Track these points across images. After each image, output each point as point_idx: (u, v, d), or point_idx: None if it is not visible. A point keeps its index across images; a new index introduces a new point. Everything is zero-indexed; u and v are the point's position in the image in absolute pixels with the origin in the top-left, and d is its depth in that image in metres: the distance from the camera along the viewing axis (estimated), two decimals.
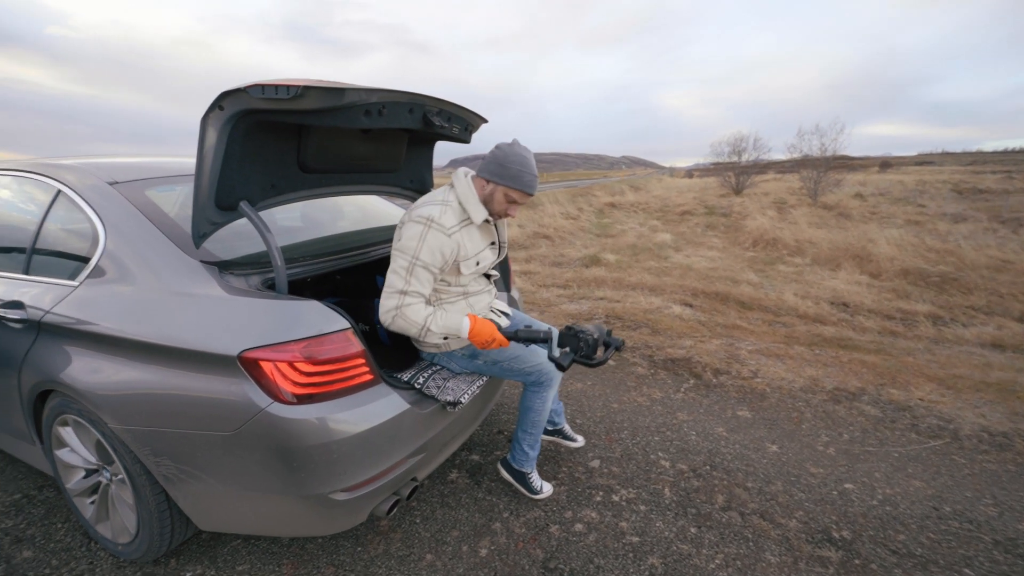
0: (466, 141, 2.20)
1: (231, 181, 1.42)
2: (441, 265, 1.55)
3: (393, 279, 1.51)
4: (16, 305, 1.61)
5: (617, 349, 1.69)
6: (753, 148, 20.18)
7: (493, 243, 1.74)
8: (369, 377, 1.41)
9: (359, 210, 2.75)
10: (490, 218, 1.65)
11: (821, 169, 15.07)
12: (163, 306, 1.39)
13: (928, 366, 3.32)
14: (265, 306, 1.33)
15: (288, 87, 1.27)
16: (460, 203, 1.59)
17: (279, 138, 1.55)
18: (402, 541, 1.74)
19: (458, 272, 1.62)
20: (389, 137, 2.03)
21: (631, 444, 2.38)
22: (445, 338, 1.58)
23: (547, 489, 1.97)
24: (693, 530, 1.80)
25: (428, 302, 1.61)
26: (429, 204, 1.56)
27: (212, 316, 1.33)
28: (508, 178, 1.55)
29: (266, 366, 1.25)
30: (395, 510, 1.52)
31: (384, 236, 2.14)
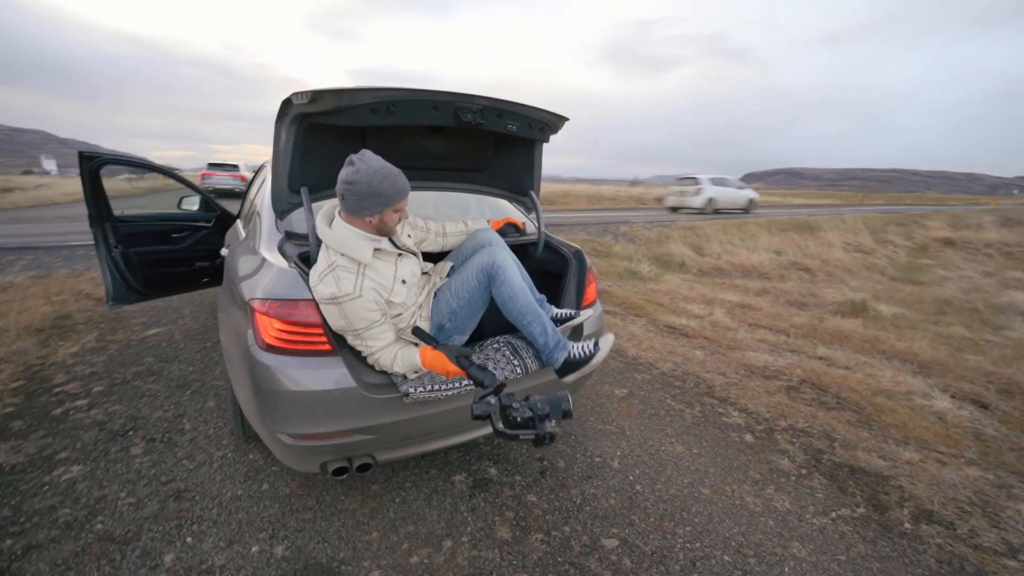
0: (542, 140, 2.07)
1: (296, 171, 1.79)
2: (380, 314, 1.56)
3: (358, 348, 1.58)
4: (225, 247, 2.50)
5: (543, 441, 1.36)
6: None
7: (400, 255, 1.67)
8: (326, 348, 1.55)
9: (490, 209, 2.92)
10: (381, 245, 1.60)
11: None
12: (248, 258, 1.91)
13: None
14: (272, 270, 1.64)
15: (306, 93, 1.52)
16: (344, 255, 1.53)
17: (341, 137, 1.85)
18: (372, 510, 1.85)
19: (393, 304, 1.62)
20: (466, 136, 2.10)
21: (679, 548, 1.75)
22: (416, 372, 1.60)
23: (604, 344, 1.75)
24: None
25: (399, 337, 1.67)
26: (320, 280, 1.50)
27: (258, 271, 1.75)
28: (385, 201, 1.51)
29: (257, 315, 1.57)
30: (343, 475, 1.64)
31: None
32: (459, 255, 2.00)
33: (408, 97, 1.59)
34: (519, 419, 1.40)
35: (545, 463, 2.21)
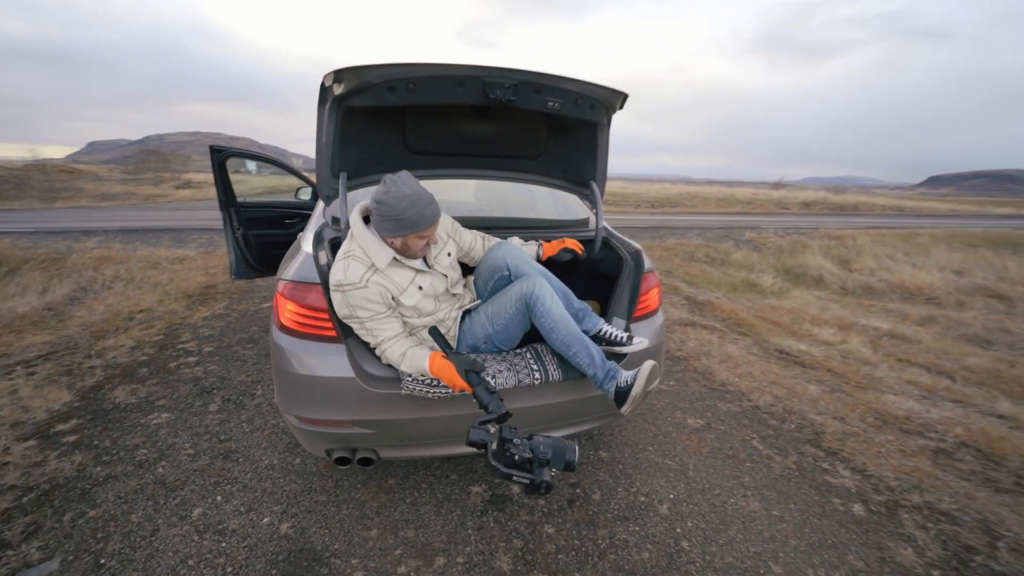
0: (598, 120, 1.80)
1: (336, 157, 1.80)
2: (386, 307, 1.48)
3: (364, 339, 1.51)
4: None
5: (538, 490, 1.18)
6: None
7: (421, 271, 1.57)
8: (331, 334, 1.51)
9: (563, 206, 2.69)
10: (402, 259, 1.51)
11: None
12: (296, 243, 1.97)
13: None
14: (301, 255, 1.65)
15: (333, 72, 1.49)
16: (363, 251, 1.48)
17: (379, 122, 1.80)
18: (380, 506, 1.79)
19: (403, 304, 1.52)
20: (516, 118, 1.93)
21: None
22: (422, 375, 1.49)
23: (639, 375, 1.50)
24: None
25: (409, 333, 1.58)
26: (335, 264, 1.48)
27: (294, 255, 1.79)
28: (408, 227, 1.42)
29: (277, 296, 1.59)
30: (345, 465, 1.60)
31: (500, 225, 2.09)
32: (478, 275, 1.82)
33: (428, 73, 1.47)
34: (516, 457, 1.25)
35: (577, 491, 1.94)
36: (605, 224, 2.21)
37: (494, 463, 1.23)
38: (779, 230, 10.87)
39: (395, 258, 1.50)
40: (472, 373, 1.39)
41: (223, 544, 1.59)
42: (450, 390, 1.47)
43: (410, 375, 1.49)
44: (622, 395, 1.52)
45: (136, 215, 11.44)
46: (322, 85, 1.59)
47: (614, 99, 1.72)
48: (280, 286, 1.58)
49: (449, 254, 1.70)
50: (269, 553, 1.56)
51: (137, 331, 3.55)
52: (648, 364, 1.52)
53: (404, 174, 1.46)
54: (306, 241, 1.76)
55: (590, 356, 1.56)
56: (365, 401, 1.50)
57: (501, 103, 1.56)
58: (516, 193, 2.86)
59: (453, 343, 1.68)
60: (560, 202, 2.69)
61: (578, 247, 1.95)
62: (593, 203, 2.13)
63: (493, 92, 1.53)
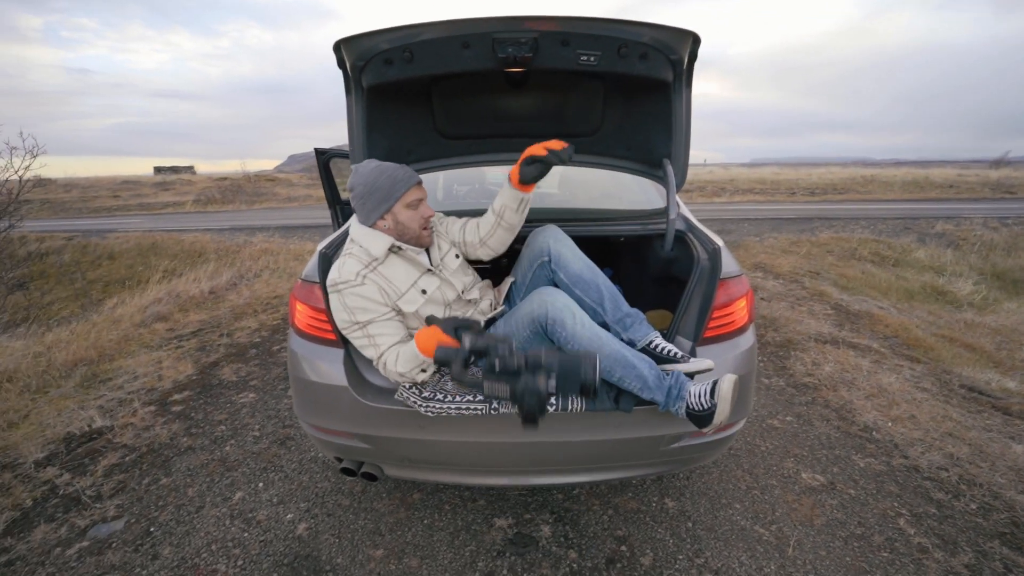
0: (660, 76, 1.40)
1: (364, 147, 1.70)
2: (386, 309, 1.33)
3: (365, 352, 1.33)
4: None
5: (517, 400, 0.94)
6: None
7: (428, 270, 1.41)
8: (330, 337, 1.41)
9: (646, 194, 2.27)
10: (402, 245, 1.37)
11: None
12: None
13: None
14: (317, 252, 1.58)
15: (333, 47, 1.38)
16: (360, 245, 1.37)
17: (405, 105, 1.64)
18: (396, 522, 1.66)
19: (404, 313, 1.36)
20: (560, 86, 1.62)
21: None
22: (424, 370, 1.28)
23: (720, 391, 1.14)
24: None
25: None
26: (333, 265, 1.37)
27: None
28: (388, 198, 1.32)
29: (291, 296, 1.54)
30: (351, 476, 1.49)
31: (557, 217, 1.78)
32: (519, 264, 1.56)
33: (424, 36, 1.25)
34: (498, 368, 0.97)
35: (623, 547, 1.56)
36: (684, 213, 1.76)
37: (456, 372, 0.96)
38: (991, 220, 8.23)
39: (395, 245, 1.35)
40: (462, 330, 1.12)
41: (245, 534, 1.63)
42: (448, 407, 1.25)
43: (405, 383, 1.31)
44: (701, 419, 1.16)
45: (304, 214, 13.57)
46: (341, 70, 1.50)
47: (676, 44, 1.29)
48: (296, 286, 1.53)
49: (457, 256, 1.50)
50: (278, 553, 1.55)
51: (264, 315, 4.07)
52: (729, 379, 1.13)
53: (371, 159, 1.39)
54: (326, 239, 1.70)
55: (641, 378, 1.21)
56: (359, 414, 1.36)
57: (515, 63, 1.27)
58: (603, 180, 2.51)
59: None
60: (641, 188, 2.27)
61: (549, 147, 1.25)
62: (666, 186, 1.70)
63: (504, 50, 1.25)
